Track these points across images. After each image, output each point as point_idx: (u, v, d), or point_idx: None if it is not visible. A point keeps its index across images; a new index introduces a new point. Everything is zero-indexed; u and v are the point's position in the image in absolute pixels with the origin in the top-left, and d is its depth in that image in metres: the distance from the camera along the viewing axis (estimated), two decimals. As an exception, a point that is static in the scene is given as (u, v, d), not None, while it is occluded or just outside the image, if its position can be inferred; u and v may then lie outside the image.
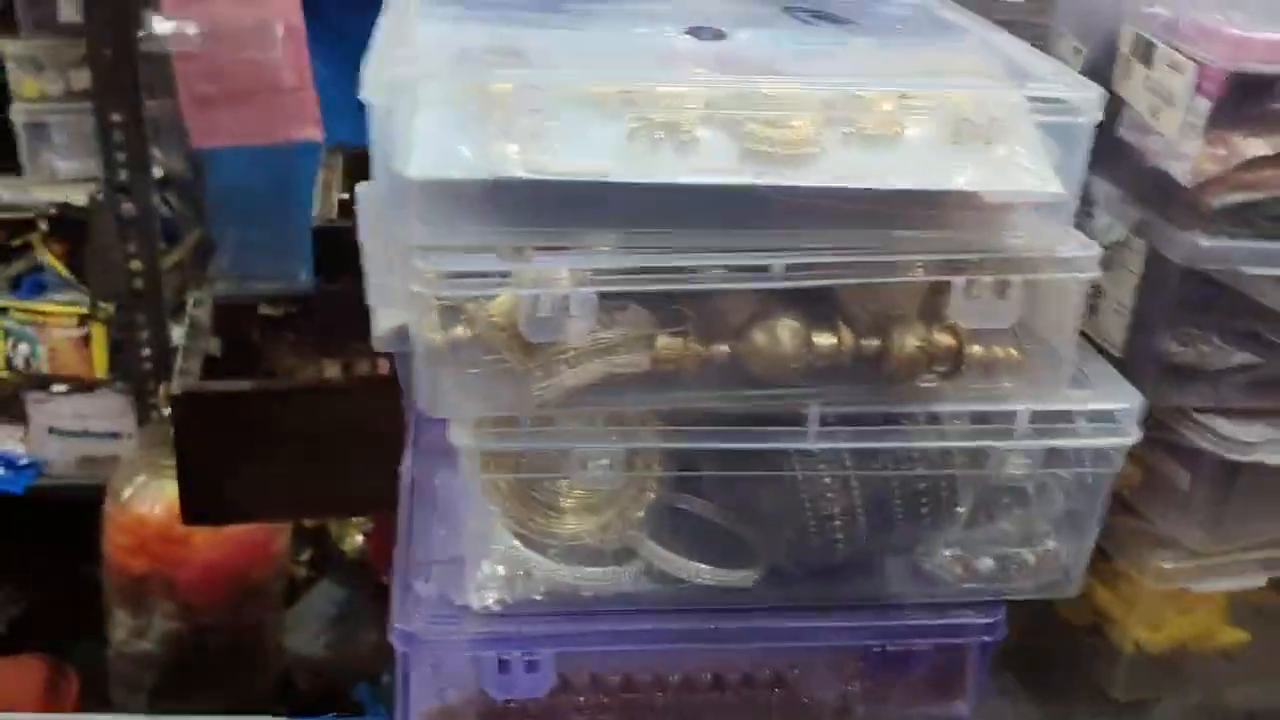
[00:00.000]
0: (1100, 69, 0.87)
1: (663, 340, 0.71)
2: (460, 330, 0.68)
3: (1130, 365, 0.82)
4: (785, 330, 0.71)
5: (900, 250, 0.70)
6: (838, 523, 0.76)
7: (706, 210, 0.68)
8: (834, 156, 0.67)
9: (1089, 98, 0.67)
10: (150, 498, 1.65)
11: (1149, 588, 0.85)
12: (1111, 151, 0.85)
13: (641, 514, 0.77)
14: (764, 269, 0.68)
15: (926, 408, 0.74)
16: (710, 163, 0.66)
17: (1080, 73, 0.90)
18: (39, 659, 1.71)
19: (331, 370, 1.52)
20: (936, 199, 0.68)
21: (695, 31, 0.76)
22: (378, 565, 1.67)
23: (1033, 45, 0.97)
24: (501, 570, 0.77)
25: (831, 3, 0.85)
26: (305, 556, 1.85)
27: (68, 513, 1.68)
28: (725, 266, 0.69)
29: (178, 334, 1.64)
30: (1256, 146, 0.77)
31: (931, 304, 0.74)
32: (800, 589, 0.80)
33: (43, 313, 1.78)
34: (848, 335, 0.72)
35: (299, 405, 1.41)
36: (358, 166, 1.33)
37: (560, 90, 0.66)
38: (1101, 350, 0.84)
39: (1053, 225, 0.71)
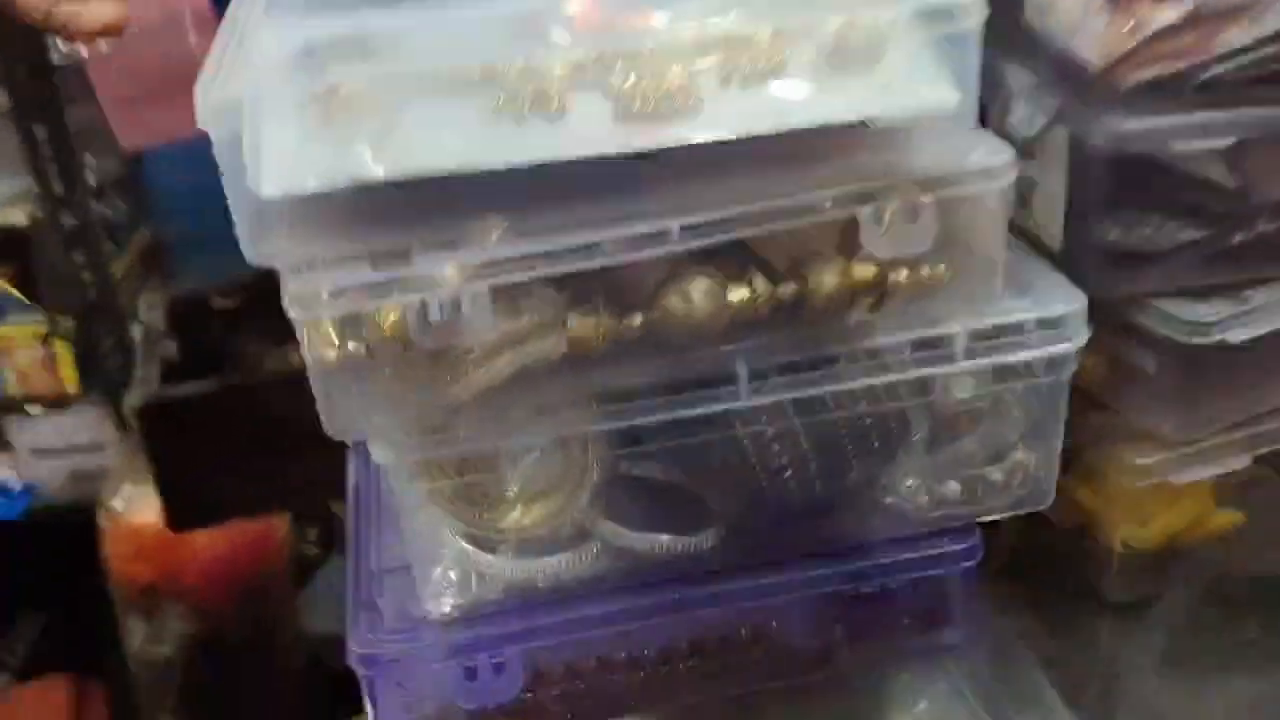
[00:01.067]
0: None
1: (574, 321, 0.67)
2: (354, 346, 0.64)
3: (1072, 258, 0.78)
4: (697, 291, 0.67)
5: (801, 190, 0.65)
6: (789, 473, 0.73)
7: (593, 180, 0.64)
8: (714, 104, 0.62)
9: (970, 1, 0.62)
10: (141, 506, 1.65)
11: (1129, 484, 0.82)
12: (1022, 38, 0.80)
13: (588, 495, 0.74)
14: (662, 234, 0.64)
15: (859, 344, 0.71)
16: (583, 132, 0.62)
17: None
18: (63, 679, 1.72)
19: (296, 354, 1.49)
20: (828, 132, 0.64)
21: (557, -14, 0.71)
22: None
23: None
24: (454, 574, 0.75)
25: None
26: (312, 536, 1.84)
27: (68, 530, 1.68)
28: (622, 238, 0.64)
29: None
30: (1164, 15, 0.72)
31: (848, 237, 0.70)
32: (764, 544, 0.77)
33: (4, 337, 1.76)
34: (762, 285, 0.68)
35: (264, 397, 1.39)
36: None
37: (413, 78, 0.61)
38: (1041, 245, 0.80)
39: (957, 136, 0.66)
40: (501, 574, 0.74)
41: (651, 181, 0.65)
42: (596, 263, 0.65)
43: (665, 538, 0.76)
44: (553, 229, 0.64)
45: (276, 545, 1.73)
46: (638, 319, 0.68)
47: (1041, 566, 0.92)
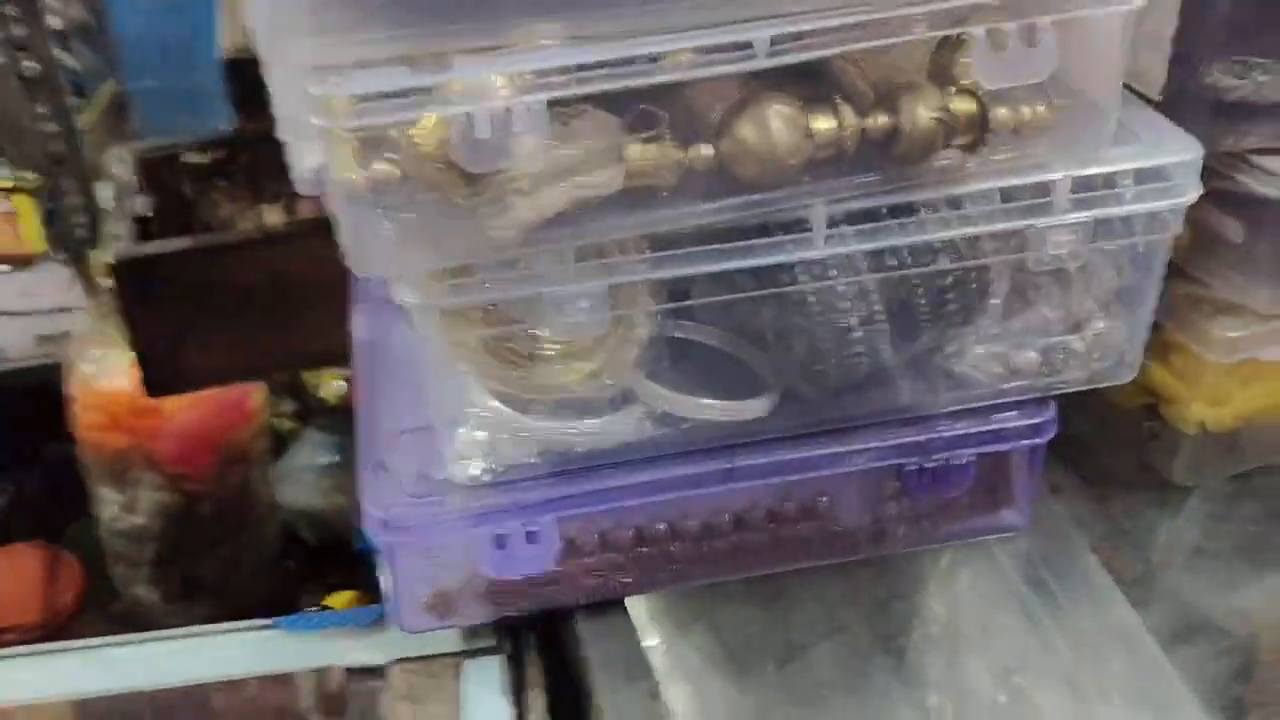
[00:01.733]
0: None
1: (634, 149, 0.59)
2: (383, 167, 0.56)
3: (1174, 107, 0.70)
4: (777, 118, 0.59)
5: (901, 2, 0.57)
6: (856, 335, 0.66)
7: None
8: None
9: None
10: (111, 371, 1.57)
11: (1211, 360, 0.76)
12: None
13: (635, 353, 0.66)
14: (745, 46, 0.56)
15: (951, 190, 0.63)
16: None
17: None
18: (36, 547, 1.66)
19: (272, 215, 1.40)
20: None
21: None
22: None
23: None
24: (482, 435, 0.67)
25: None
26: (286, 408, 1.78)
27: (35, 395, 1.61)
28: (697, 48, 0.56)
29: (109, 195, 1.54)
30: None
31: (941, 64, 0.62)
32: (820, 412, 0.70)
33: (-37, 193, 1.66)
34: (850, 115, 0.60)
35: (247, 257, 1.30)
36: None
37: None
38: (1135, 93, 0.72)
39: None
40: (536, 436, 0.67)
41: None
42: (663, 78, 0.56)
43: (714, 403, 0.69)
44: (616, 35, 0.56)
45: (251, 414, 1.66)
46: (707, 150, 0.59)
47: (1094, 449, 0.86)
